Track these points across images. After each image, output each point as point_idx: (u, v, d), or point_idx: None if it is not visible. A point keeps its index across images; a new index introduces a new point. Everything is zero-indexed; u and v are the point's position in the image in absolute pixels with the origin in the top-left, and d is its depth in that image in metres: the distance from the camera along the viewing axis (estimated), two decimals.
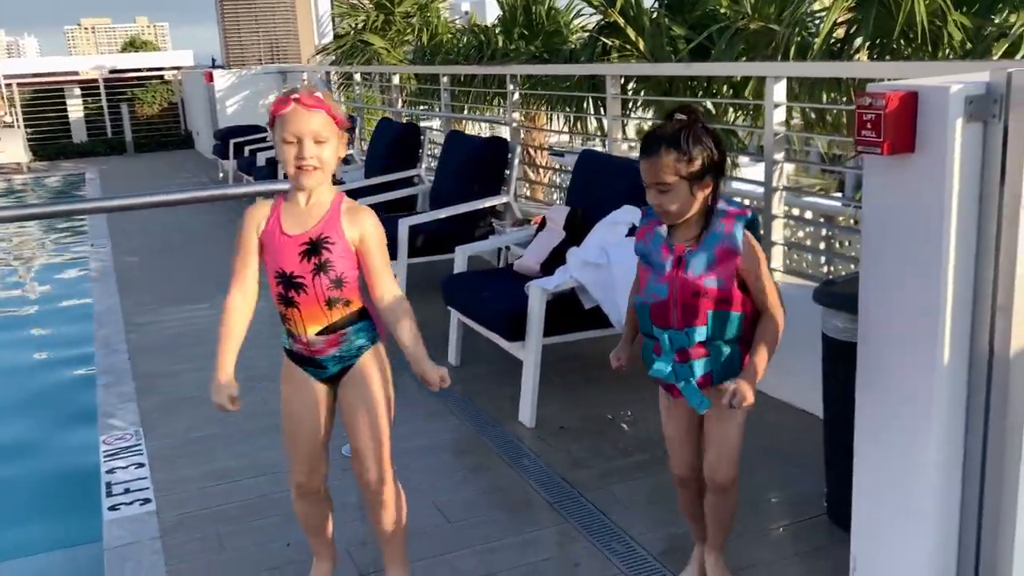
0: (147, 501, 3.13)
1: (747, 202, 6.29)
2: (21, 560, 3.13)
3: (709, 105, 6.01)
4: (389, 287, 2.22)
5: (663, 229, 2.21)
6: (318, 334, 2.22)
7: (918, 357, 2.02)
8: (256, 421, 3.77)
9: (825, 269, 6.27)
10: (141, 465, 3.41)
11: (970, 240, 1.95)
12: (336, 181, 6.99)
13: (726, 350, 2.20)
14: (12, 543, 3.27)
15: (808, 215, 6.85)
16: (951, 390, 2.02)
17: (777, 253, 3.92)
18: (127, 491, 3.20)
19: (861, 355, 2.19)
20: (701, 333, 2.18)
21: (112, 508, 3.08)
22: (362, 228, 2.18)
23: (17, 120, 15.61)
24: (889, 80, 2.07)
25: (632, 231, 3.65)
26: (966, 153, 1.89)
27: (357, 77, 10.34)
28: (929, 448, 2.05)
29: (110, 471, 3.36)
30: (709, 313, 2.16)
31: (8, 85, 15.70)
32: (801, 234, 7.14)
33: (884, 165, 2.00)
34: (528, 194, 7.21)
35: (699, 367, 2.20)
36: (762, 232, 3.88)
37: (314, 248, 2.16)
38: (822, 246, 6.92)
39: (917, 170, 1.95)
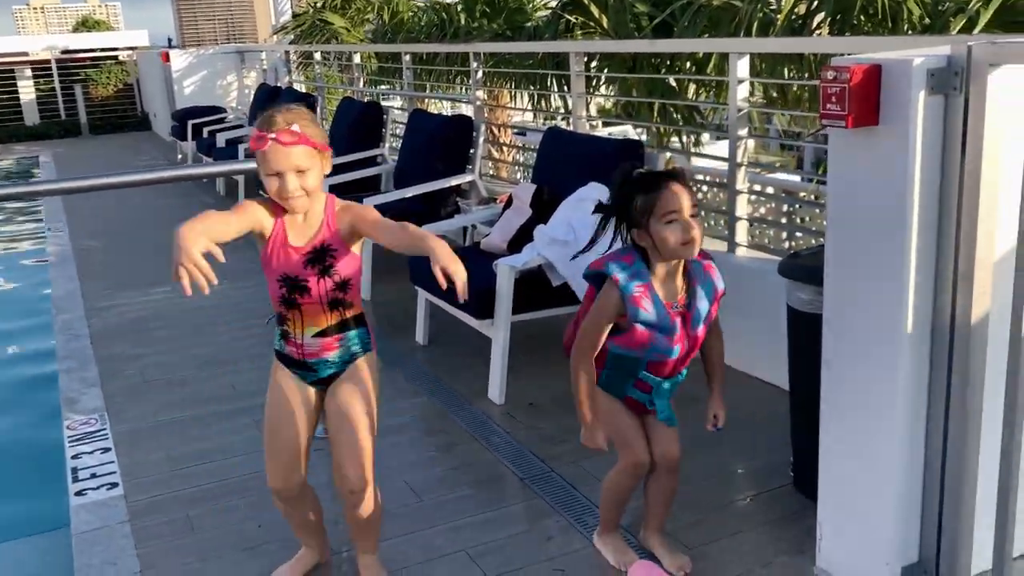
0: (114, 485, 3.09)
1: (707, 178, 6.35)
2: None
3: (672, 82, 6.03)
4: (395, 228, 2.11)
5: (656, 287, 2.20)
6: (314, 336, 2.22)
7: (882, 325, 2.06)
8: (222, 404, 3.74)
9: (786, 245, 6.34)
10: (107, 450, 3.36)
11: (932, 210, 1.98)
12: None
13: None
14: None
15: (770, 190, 6.91)
16: (915, 357, 2.06)
17: (742, 228, 3.96)
18: (93, 476, 3.16)
19: (826, 325, 2.23)
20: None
21: (79, 493, 3.04)
22: (351, 213, 2.17)
23: None
24: (850, 55, 2.09)
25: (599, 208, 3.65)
26: (928, 125, 1.92)
27: (317, 56, 10.22)
28: (894, 416, 2.09)
29: (76, 456, 3.32)
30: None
31: None
32: (763, 210, 7.20)
33: (848, 137, 2.03)
34: (492, 172, 7.19)
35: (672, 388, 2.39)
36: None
37: (318, 256, 2.16)
38: (783, 221, 6.99)
39: (881, 142, 1.98)
